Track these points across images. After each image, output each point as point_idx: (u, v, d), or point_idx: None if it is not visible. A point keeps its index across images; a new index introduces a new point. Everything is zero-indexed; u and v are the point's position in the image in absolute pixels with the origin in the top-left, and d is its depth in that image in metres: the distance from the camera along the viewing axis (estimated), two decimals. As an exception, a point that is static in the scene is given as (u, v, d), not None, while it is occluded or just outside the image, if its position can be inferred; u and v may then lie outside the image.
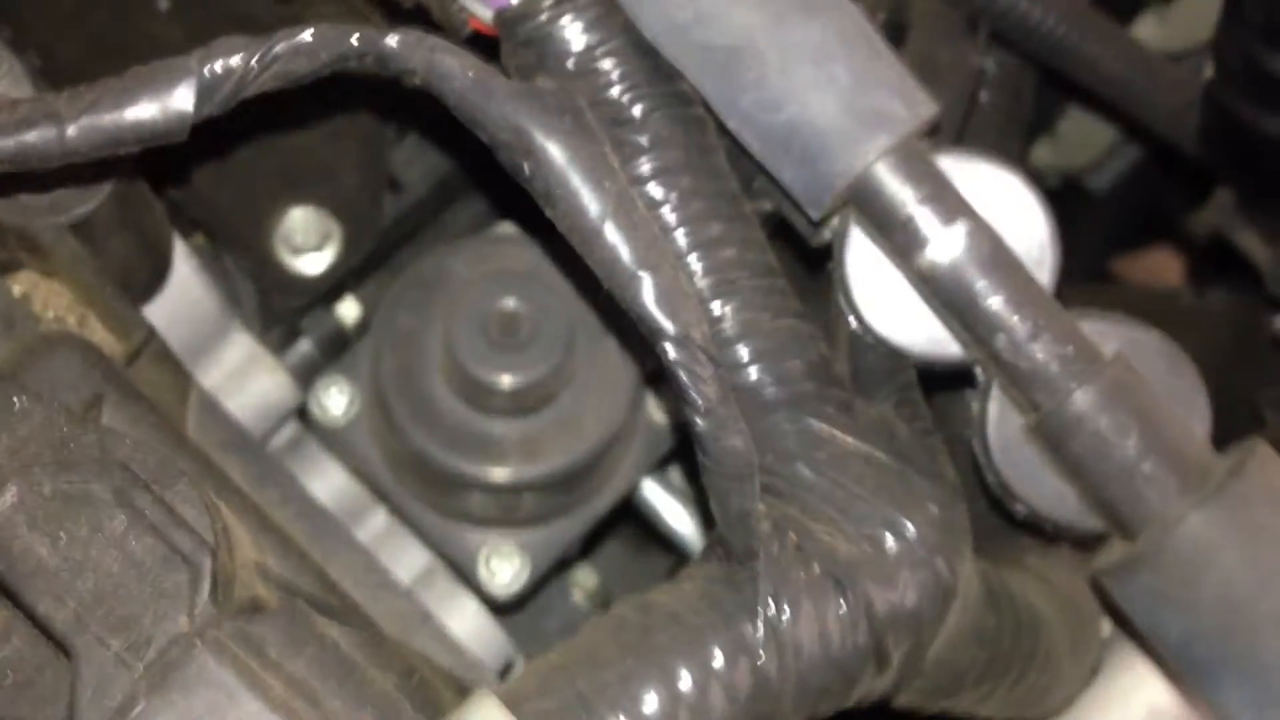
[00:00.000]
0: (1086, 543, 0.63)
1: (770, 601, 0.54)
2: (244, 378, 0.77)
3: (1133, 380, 0.57)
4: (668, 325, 0.50)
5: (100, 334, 0.64)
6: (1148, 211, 1.16)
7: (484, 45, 0.58)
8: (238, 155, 0.74)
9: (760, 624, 0.54)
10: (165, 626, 0.42)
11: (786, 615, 0.54)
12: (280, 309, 0.78)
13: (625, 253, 0.50)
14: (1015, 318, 0.56)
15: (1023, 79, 0.81)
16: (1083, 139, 1.03)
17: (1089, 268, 1.13)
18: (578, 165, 0.50)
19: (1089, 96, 0.84)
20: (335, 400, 0.78)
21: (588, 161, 0.50)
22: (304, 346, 0.80)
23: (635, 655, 0.53)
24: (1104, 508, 0.58)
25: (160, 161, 0.71)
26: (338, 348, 0.80)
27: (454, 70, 0.51)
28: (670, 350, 0.51)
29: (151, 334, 0.64)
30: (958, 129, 0.75)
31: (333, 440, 0.78)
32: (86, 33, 0.74)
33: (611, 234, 0.50)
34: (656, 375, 0.77)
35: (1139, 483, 0.56)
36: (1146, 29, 0.97)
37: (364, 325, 0.80)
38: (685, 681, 0.53)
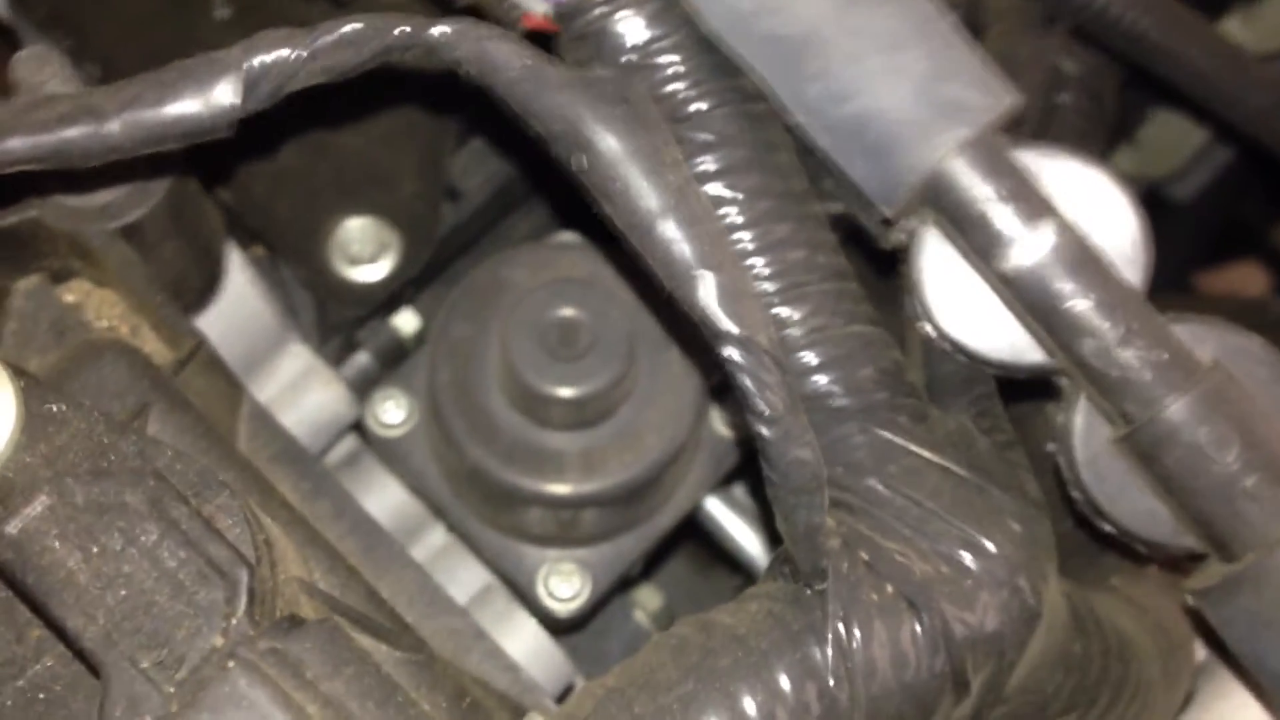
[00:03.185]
0: (1179, 563, 0.60)
1: (840, 623, 0.51)
2: (301, 390, 0.76)
3: (1232, 389, 0.54)
4: (731, 327, 0.48)
5: (152, 343, 0.63)
6: (1232, 222, 1.13)
7: (540, 45, 0.56)
8: (295, 164, 0.74)
9: (829, 647, 0.51)
10: (198, 644, 0.41)
11: (857, 638, 0.51)
12: (337, 320, 0.77)
13: (685, 250, 0.48)
14: (1105, 322, 0.54)
15: (1105, 80, 0.78)
16: (1165, 147, 1.00)
17: (1171, 280, 1.10)
18: (635, 157, 0.48)
19: (1174, 96, 0.81)
20: (392, 413, 0.76)
21: (645, 153, 0.48)
22: (361, 358, 0.79)
23: (696, 678, 0.51)
24: (1201, 526, 0.55)
25: (217, 169, 0.71)
26: (396, 359, 0.79)
27: (505, 59, 0.49)
28: (734, 354, 0.48)
29: (201, 343, 0.63)
30: (1036, 131, 0.72)
31: (389, 454, 0.76)
32: (146, 43, 0.74)
33: (670, 230, 0.48)
34: (721, 388, 0.74)
35: (1240, 500, 0.54)
36: (1231, 31, 0.94)
37: (422, 336, 0.78)
38: (749, 707, 0.51)
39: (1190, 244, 1.09)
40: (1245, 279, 1.11)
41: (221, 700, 0.40)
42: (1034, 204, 0.54)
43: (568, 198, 0.79)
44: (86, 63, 0.73)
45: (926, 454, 0.55)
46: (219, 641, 0.41)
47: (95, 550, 0.42)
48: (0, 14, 0.78)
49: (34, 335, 0.60)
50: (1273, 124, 0.79)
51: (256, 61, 0.49)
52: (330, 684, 0.41)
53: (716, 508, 0.81)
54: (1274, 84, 0.79)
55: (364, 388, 0.78)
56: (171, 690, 0.40)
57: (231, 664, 0.41)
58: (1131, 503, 0.56)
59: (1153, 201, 1.05)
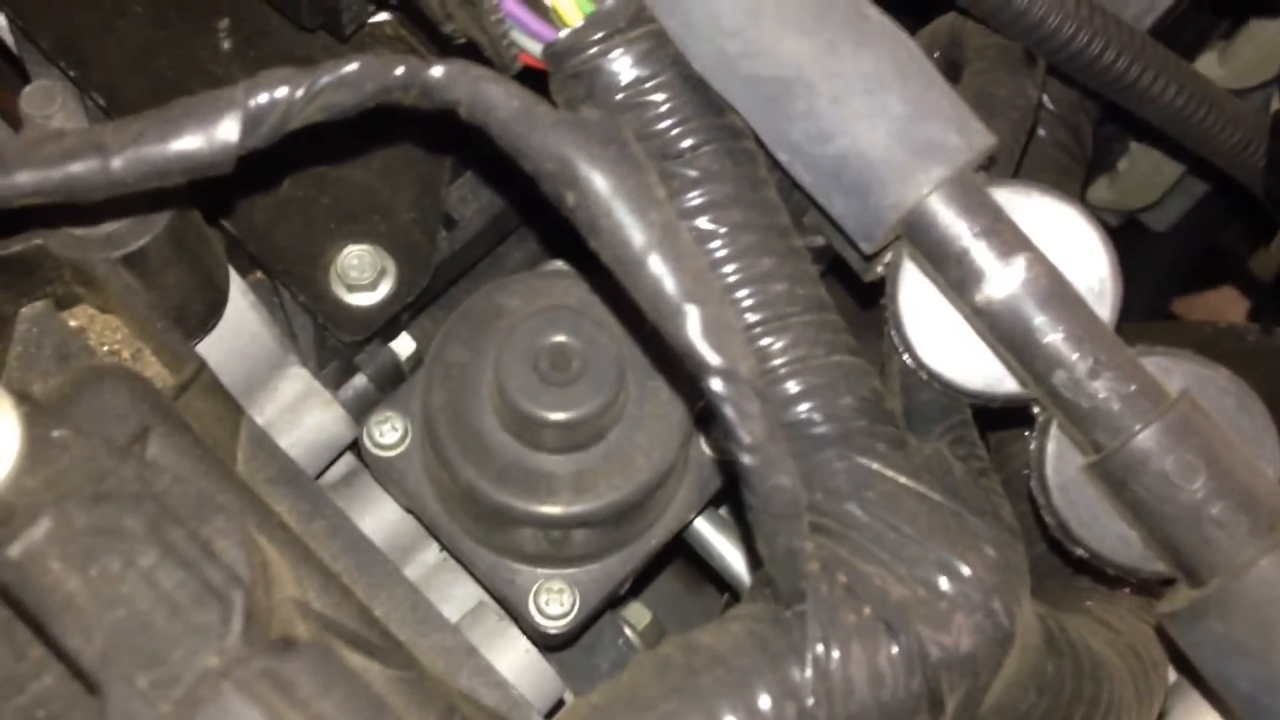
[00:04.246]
0: (1150, 587, 0.61)
1: (819, 644, 0.52)
2: (300, 412, 0.77)
3: (1199, 419, 0.55)
4: (713, 359, 0.49)
5: (154, 367, 0.64)
6: (1210, 251, 1.14)
7: (536, 81, 0.58)
8: (295, 193, 0.75)
9: (808, 667, 0.52)
10: (194, 663, 0.42)
11: (836, 658, 0.52)
12: (336, 344, 0.78)
13: (670, 285, 0.49)
14: (1075, 354, 0.55)
15: (1082, 115, 0.80)
16: (1144, 178, 1.01)
17: (1150, 308, 1.11)
18: (622, 195, 0.49)
19: (1150, 132, 0.82)
20: (388, 434, 0.78)
21: (633, 191, 0.49)
22: (359, 381, 0.80)
23: (679, 698, 0.52)
24: (1169, 552, 0.56)
25: (219, 198, 0.72)
26: (393, 383, 0.80)
27: (498, 100, 0.50)
28: (716, 385, 0.50)
29: (202, 367, 0.64)
30: (1015, 166, 0.73)
31: (385, 474, 0.77)
32: (149, 74, 0.75)
33: (656, 265, 0.49)
34: (705, 415, 0.76)
35: (1207, 526, 0.55)
36: (1207, 67, 0.96)
37: (418, 360, 0.80)
38: (730, 725, 0.52)
39: (1169, 271, 1.10)
40: (1224, 305, 1.12)
41: (216, 718, 0.41)
42: (1007, 240, 0.55)
43: (560, 227, 0.80)
44: (91, 92, 0.74)
45: (904, 480, 0.56)
46: (214, 662, 0.42)
47: (94, 572, 0.43)
48: (8, 45, 0.79)
49: (38, 360, 0.61)
50: (1247, 160, 0.80)
51: (258, 100, 0.50)
52: (322, 703, 0.42)
53: (704, 527, 0.83)
54: (1247, 119, 0.80)
55: (361, 410, 0.79)
56: (167, 709, 0.41)
57: (226, 684, 0.41)
58: (1102, 528, 0.57)
59: (1132, 230, 1.06)
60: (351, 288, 0.75)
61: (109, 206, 0.59)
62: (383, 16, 0.76)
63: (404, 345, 0.80)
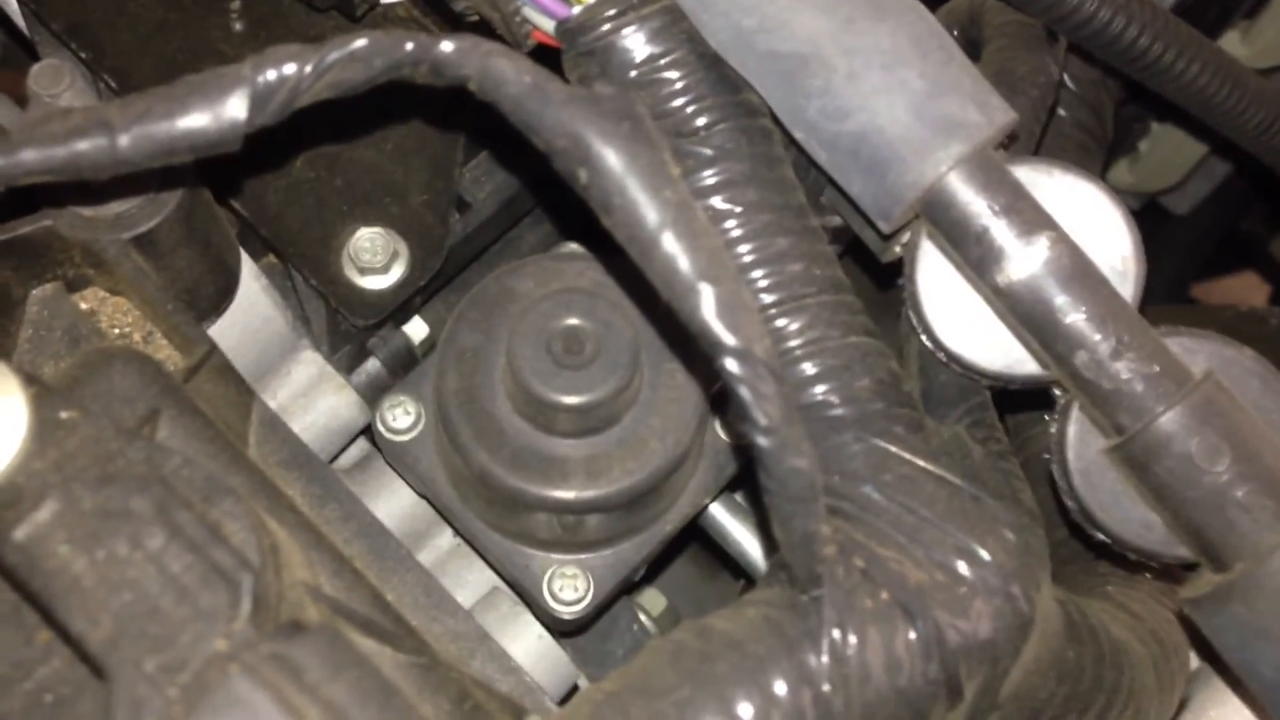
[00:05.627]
0: (1172, 572, 0.61)
1: (835, 629, 0.52)
2: (312, 396, 0.77)
3: (1224, 400, 0.54)
4: (728, 339, 0.48)
5: (165, 350, 0.64)
6: (1231, 235, 1.13)
7: (549, 59, 0.57)
8: (307, 176, 0.75)
9: (824, 653, 0.52)
10: (201, 648, 0.41)
11: (852, 644, 0.52)
12: (349, 328, 0.77)
13: (684, 263, 0.48)
14: (1098, 334, 0.54)
15: (1103, 94, 0.79)
16: (1165, 160, 1.00)
17: (1170, 292, 1.10)
18: (635, 172, 0.48)
19: (1174, 110, 0.81)
20: (401, 419, 0.77)
21: (646, 168, 0.48)
22: (372, 365, 0.80)
23: (693, 683, 0.51)
24: (1192, 536, 0.55)
25: (230, 179, 0.72)
26: (406, 366, 0.80)
27: (509, 75, 0.49)
28: (731, 365, 0.49)
29: (212, 350, 0.64)
30: (1035, 145, 0.72)
31: (399, 459, 0.77)
32: (161, 56, 0.75)
33: (670, 244, 0.48)
34: (720, 397, 0.75)
35: (1231, 510, 0.54)
36: (1231, 46, 0.94)
37: (432, 344, 0.79)
38: (745, 712, 0.51)
39: (1189, 255, 1.09)
40: (1245, 290, 1.11)
41: (223, 703, 0.40)
42: (1028, 218, 0.55)
43: (574, 209, 0.80)
44: (103, 75, 0.74)
45: (922, 463, 0.55)
46: (222, 645, 0.41)
47: (101, 555, 0.43)
48: (19, 26, 0.79)
49: (49, 342, 0.61)
50: (1271, 141, 0.79)
51: (265, 77, 0.49)
52: (330, 688, 0.42)
53: (720, 513, 0.82)
54: (1273, 99, 0.79)
55: (374, 394, 0.78)
56: (175, 693, 0.41)
57: (234, 667, 0.41)
58: (1124, 512, 0.57)
59: (1152, 213, 1.05)
60: (364, 271, 0.74)
61: (118, 187, 0.59)
62: (395, -4, 0.76)
63: (417, 329, 0.80)
